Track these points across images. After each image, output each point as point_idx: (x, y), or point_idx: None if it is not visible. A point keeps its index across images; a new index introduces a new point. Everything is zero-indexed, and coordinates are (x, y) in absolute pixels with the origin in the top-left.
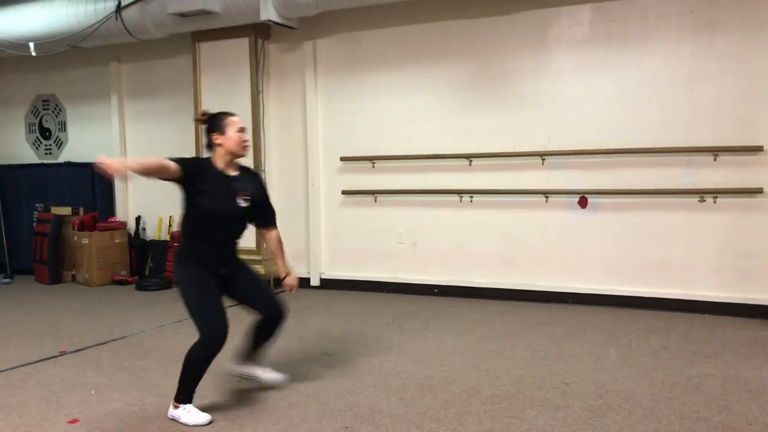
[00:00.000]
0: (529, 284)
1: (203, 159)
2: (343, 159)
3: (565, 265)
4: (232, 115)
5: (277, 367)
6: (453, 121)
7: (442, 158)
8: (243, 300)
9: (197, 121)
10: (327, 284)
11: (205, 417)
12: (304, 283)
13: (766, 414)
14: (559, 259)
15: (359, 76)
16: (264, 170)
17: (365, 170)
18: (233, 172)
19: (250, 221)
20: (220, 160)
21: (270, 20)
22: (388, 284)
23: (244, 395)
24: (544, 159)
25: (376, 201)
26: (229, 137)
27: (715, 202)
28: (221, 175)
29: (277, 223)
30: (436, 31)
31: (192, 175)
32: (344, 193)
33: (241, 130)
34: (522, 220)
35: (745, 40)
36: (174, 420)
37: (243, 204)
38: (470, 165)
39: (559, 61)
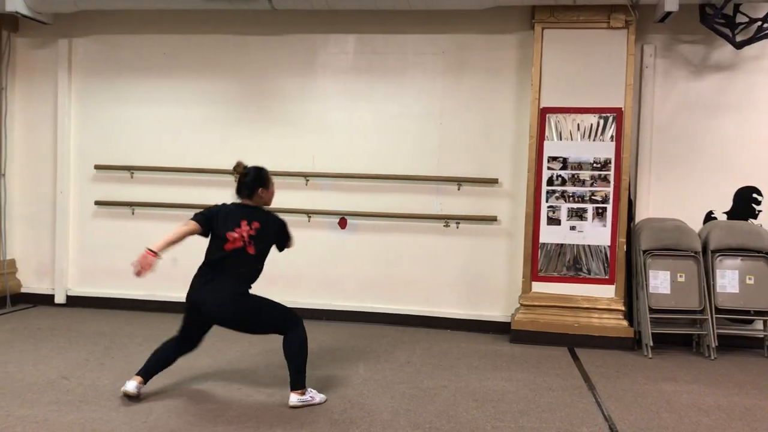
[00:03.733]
0: (289, 301)
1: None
2: (98, 167)
3: (324, 283)
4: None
5: (2, 391)
6: (219, 135)
7: (206, 172)
8: None
9: (237, 173)
10: (75, 302)
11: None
12: (48, 300)
13: (487, 420)
14: (319, 276)
15: (119, 81)
16: (3, 174)
17: (123, 180)
18: None
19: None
20: None
21: (17, 12)
22: (143, 302)
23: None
24: (308, 180)
25: (134, 213)
26: (272, 193)
27: (458, 227)
28: None
29: None
30: (204, 44)
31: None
32: (98, 203)
33: None
34: None
35: (488, 83)
36: (305, 404)
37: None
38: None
39: (325, 86)
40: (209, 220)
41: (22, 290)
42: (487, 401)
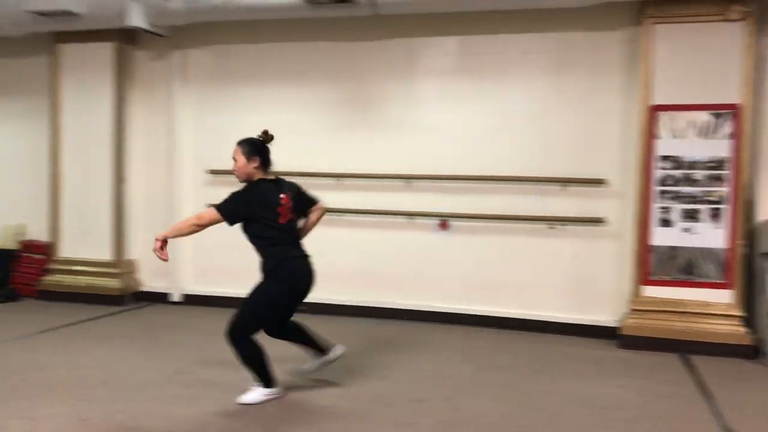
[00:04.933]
0: (389, 302)
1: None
2: (211, 172)
3: (424, 285)
4: None
5: (123, 385)
6: (324, 139)
7: (312, 176)
8: None
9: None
10: (191, 300)
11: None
12: (164, 298)
13: (598, 427)
14: (421, 278)
15: (232, 89)
16: (125, 179)
17: (233, 184)
18: None
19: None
20: None
21: (137, 26)
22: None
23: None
24: (408, 182)
25: None
26: None
27: (562, 229)
28: None
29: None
30: (311, 51)
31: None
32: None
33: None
34: (386, 240)
35: (593, 81)
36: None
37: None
38: (340, 184)
39: (425, 89)
40: (250, 205)
41: (142, 289)
42: (596, 407)
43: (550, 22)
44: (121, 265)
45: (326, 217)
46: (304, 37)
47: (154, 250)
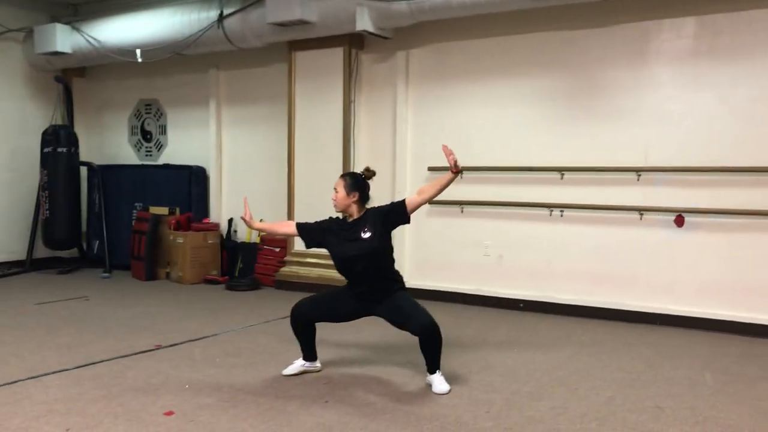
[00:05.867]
0: (619, 303)
1: (330, 219)
2: (431, 169)
3: (657, 286)
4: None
5: (362, 375)
6: (545, 133)
7: (533, 170)
8: (391, 322)
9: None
10: (412, 293)
11: None
12: None
13: None
14: (652, 278)
15: (451, 86)
16: None
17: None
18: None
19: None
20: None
21: (365, 30)
22: (471, 296)
23: (335, 401)
24: (639, 175)
25: (462, 212)
26: None
27: None
28: (346, 224)
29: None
30: (529, 43)
31: (312, 240)
32: (431, 203)
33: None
34: (614, 237)
35: None
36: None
37: (365, 236)
38: (562, 179)
39: (659, 75)
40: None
41: None
42: None
43: None
44: None
45: (549, 214)
46: (522, 30)
47: (243, 218)
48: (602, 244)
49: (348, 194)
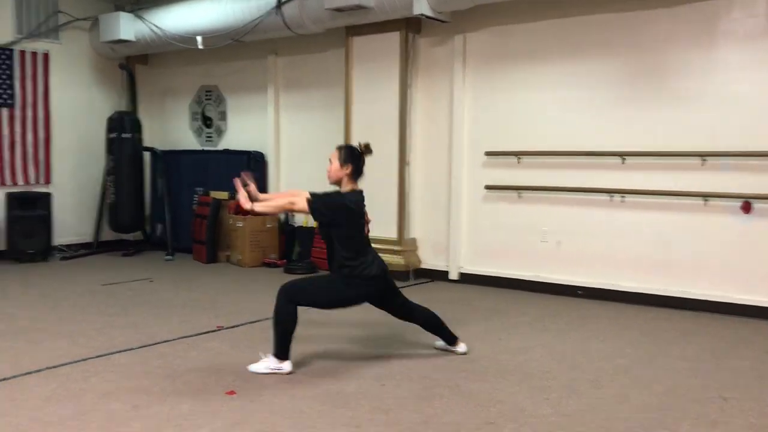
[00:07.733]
0: (681, 291)
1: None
2: (488, 154)
3: (723, 274)
4: None
5: (418, 357)
6: (606, 117)
7: (592, 155)
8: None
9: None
10: (466, 279)
11: None
12: (442, 276)
13: None
14: (717, 266)
15: (509, 70)
16: (408, 163)
17: (510, 165)
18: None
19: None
20: None
21: (423, 14)
22: (529, 283)
23: (392, 384)
24: (704, 159)
25: (519, 197)
26: None
27: None
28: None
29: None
30: (590, 25)
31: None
32: (487, 188)
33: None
34: (677, 224)
35: None
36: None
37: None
38: (623, 163)
39: (727, 56)
40: (352, 212)
41: (423, 266)
42: None
43: None
44: (404, 243)
45: (610, 199)
46: (583, 11)
47: (240, 194)
48: (664, 231)
49: (342, 166)
